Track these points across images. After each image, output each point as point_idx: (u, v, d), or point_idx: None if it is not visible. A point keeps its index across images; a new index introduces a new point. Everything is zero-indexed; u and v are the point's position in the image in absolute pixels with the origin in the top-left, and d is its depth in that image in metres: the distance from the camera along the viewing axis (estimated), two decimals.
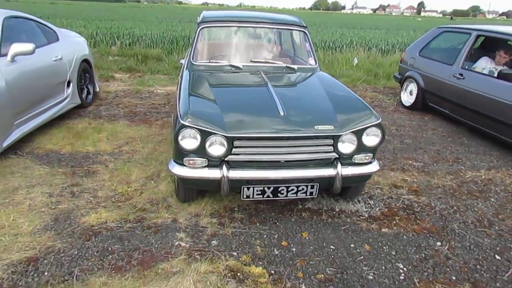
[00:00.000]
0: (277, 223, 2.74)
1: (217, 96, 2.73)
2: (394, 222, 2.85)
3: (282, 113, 2.52)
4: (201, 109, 2.52)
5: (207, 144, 2.40)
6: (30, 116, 3.82)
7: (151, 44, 9.75)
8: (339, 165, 2.55)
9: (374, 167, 2.71)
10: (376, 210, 3.02)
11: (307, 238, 2.59)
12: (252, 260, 2.33)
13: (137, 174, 3.29)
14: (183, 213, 2.77)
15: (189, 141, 2.38)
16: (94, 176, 3.25)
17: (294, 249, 2.46)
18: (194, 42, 3.49)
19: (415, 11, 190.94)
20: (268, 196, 2.58)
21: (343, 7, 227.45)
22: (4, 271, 2.10)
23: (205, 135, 2.37)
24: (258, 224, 2.71)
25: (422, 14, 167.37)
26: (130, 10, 40.72)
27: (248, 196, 2.56)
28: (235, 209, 2.88)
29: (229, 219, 2.74)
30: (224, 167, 2.42)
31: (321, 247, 2.50)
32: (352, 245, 2.54)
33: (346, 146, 2.57)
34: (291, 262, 2.34)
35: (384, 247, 2.53)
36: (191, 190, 2.77)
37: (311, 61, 3.66)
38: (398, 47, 11.42)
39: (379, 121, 2.60)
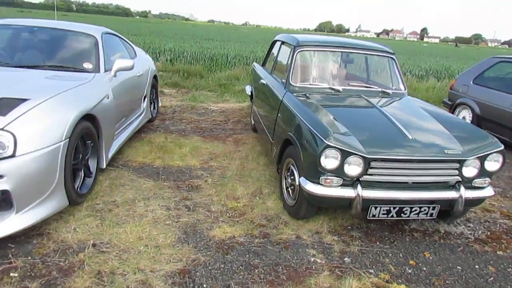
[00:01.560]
0: (395, 242, 2.81)
1: (338, 117, 2.84)
2: (503, 245, 2.92)
3: (410, 137, 2.63)
4: (338, 130, 2.62)
5: (346, 164, 2.49)
6: (122, 129, 3.94)
7: (192, 60, 9.97)
8: (462, 188, 2.64)
9: (490, 191, 2.80)
10: (480, 233, 3.08)
11: (430, 258, 2.65)
12: (391, 278, 2.39)
13: (241, 190, 3.37)
14: (303, 230, 2.84)
15: (330, 161, 2.48)
16: (199, 190, 3.33)
17: (424, 268, 2.52)
18: (292, 65, 3.62)
19: (418, 36, 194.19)
20: (392, 216, 2.66)
21: (347, 30, 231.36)
22: (164, 282, 2.16)
23: (345, 155, 2.47)
24: (378, 243, 2.78)
25: (425, 39, 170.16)
26: (145, 26, 41.38)
27: (374, 215, 2.64)
28: (349, 227, 2.95)
29: (349, 237, 2.81)
30: (359, 187, 2.51)
31: (449, 267, 2.56)
32: (476, 266, 2.60)
33: (470, 170, 2.67)
34: (427, 281, 2.40)
35: (508, 269, 2.60)
36: (312, 207, 2.84)
37: (401, 86, 3.80)
38: (432, 73, 11.68)
39: (502, 148, 2.70)
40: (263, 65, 5.31)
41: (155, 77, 5.45)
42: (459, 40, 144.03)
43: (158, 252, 2.40)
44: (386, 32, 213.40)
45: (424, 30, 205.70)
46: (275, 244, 2.64)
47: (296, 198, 2.88)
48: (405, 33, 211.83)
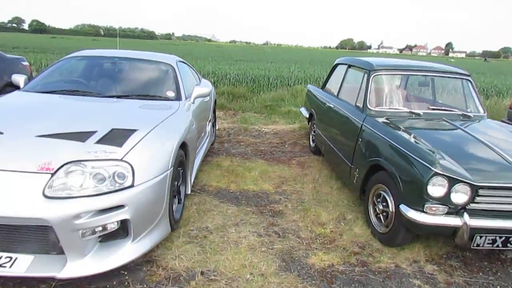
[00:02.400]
0: (498, 273, 2.70)
1: (433, 143, 2.80)
2: None
3: None
4: (441, 156, 2.58)
5: (452, 192, 2.45)
6: (197, 153, 4.01)
7: (235, 82, 10.15)
8: None
9: None
10: None
11: None
12: None
13: (324, 216, 3.35)
14: (400, 258, 2.78)
15: (437, 189, 2.44)
16: (283, 216, 3.33)
17: None
18: (368, 89, 3.62)
19: (443, 51, 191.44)
20: (497, 246, 2.57)
21: (369, 47, 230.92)
22: None
23: (453, 183, 2.43)
24: (480, 273, 2.69)
25: (450, 54, 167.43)
26: (171, 48, 42.56)
27: (478, 245, 2.56)
28: (444, 256, 2.87)
29: (448, 266, 2.74)
30: (466, 215, 2.45)
31: None
32: None
33: None
34: None
35: None
36: (409, 235, 2.79)
37: (480, 108, 3.74)
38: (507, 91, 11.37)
39: None
40: (322, 88, 5.34)
41: (215, 101, 5.57)
42: (487, 54, 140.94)
43: (265, 281, 2.40)
44: (409, 48, 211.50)
45: (449, 45, 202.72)
46: (376, 273, 2.59)
47: (391, 225, 2.84)
48: (429, 48, 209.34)
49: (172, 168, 2.60)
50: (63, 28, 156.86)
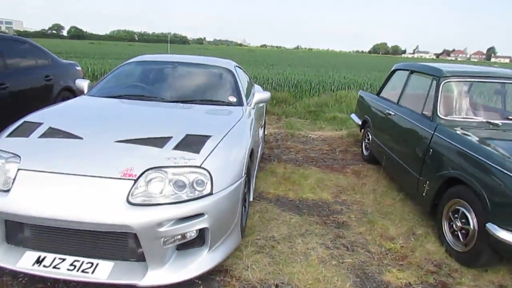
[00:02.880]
0: None
1: None
2: None
3: None
4: None
5: None
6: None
7: (277, 87, 10.09)
8: None
9: None
10: None
11: None
12: None
13: (392, 229, 3.19)
14: (484, 281, 2.58)
15: None
16: (348, 228, 3.21)
17: None
18: (438, 97, 3.44)
19: (483, 56, 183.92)
20: None
21: (404, 52, 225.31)
22: None
23: None
24: None
25: (492, 59, 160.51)
26: (204, 53, 43.17)
27: None
28: None
29: None
30: None
31: None
32: None
33: None
34: None
35: None
36: (496, 257, 2.59)
37: None
38: None
39: None
40: (378, 94, 5.17)
41: (265, 106, 5.51)
42: None
43: None
44: (447, 53, 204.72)
45: (491, 49, 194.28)
46: None
47: (472, 244, 2.65)
48: (469, 53, 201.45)
49: (245, 175, 2.54)
50: (99, 34, 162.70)
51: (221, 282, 2.35)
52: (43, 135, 2.43)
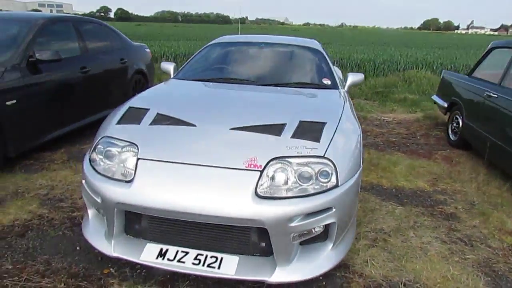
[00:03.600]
0: None
1: None
2: None
3: None
4: None
5: None
6: None
7: (339, 67, 9.70)
8: None
9: None
10: None
11: None
12: None
13: (509, 222, 2.92)
14: None
15: None
16: (459, 220, 2.96)
17: None
18: None
19: None
20: None
21: (457, 27, 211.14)
22: None
23: None
24: None
25: None
26: (248, 32, 42.67)
27: None
28: None
29: None
30: None
31: None
32: None
33: None
34: None
35: None
36: None
37: None
38: None
39: None
40: (469, 74, 4.75)
41: None
42: None
43: None
44: (505, 28, 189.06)
45: None
46: None
47: None
48: None
49: (362, 165, 2.37)
50: (145, 16, 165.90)
51: (344, 279, 2.22)
52: (154, 122, 2.36)
